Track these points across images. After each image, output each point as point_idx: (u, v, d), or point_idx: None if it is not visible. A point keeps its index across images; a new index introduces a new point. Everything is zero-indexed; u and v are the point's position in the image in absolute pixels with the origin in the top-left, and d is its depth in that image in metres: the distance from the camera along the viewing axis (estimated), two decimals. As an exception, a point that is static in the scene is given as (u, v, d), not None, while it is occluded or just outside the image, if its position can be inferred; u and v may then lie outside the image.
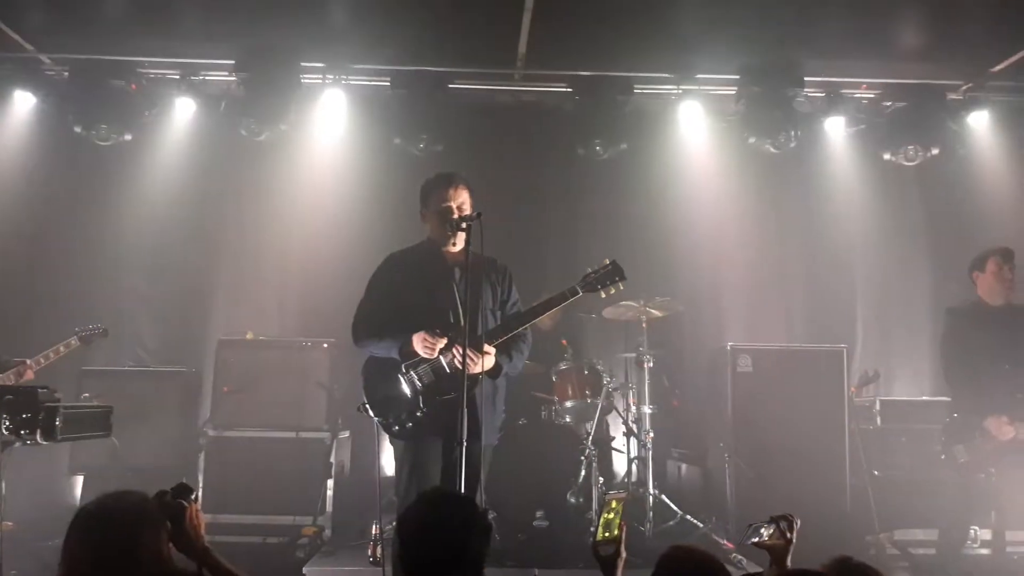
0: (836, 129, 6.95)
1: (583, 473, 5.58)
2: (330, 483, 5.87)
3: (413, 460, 3.75)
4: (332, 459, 5.90)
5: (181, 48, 6.53)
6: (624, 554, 2.68)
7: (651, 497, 5.61)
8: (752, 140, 6.57)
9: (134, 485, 2.43)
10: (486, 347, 3.68)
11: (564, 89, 6.74)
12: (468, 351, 3.43)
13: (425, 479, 3.65)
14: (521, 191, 7.10)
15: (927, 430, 5.58)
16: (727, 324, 7.21)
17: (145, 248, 6.99)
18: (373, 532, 4.95)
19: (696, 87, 6.72)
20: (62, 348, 5.48)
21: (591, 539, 2.77)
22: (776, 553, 2.78)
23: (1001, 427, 4.56)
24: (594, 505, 5.44)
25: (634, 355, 6.06)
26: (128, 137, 6.58)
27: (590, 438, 5.70)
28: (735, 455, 5.91)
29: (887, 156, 6.80)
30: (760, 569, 3.01)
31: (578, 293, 3.86)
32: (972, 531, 5.19)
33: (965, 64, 6.55)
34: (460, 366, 3.46)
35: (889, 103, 6.83)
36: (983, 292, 4.91)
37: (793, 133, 6.50)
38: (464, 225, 3.64)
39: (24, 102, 6.65)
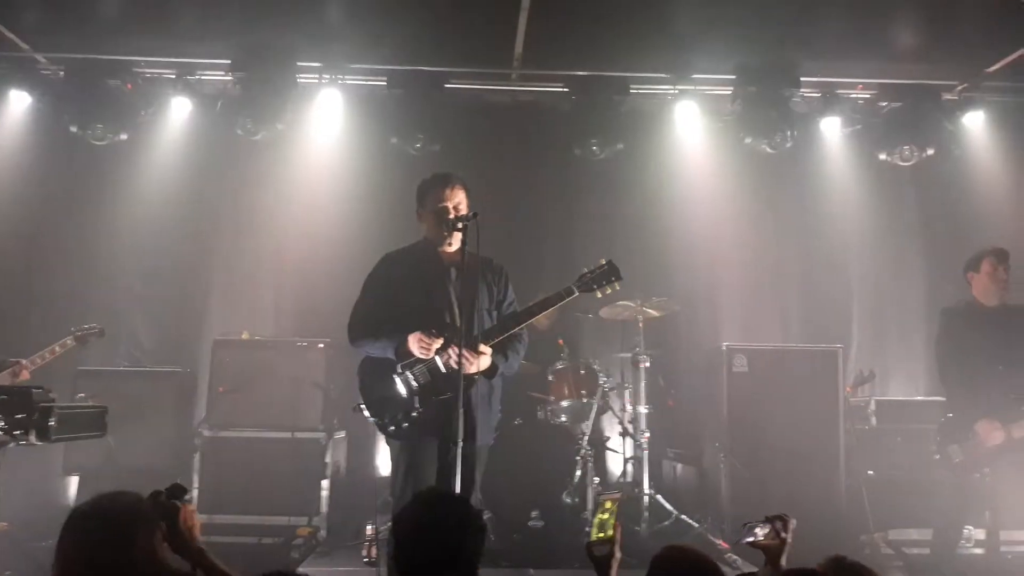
0: (832, 129, 6.97)
1: (578, 473, 5.59)
2: (325, 483, 5.87)
3: (409, 460, 3.74)
4: (328, 459, 5.89)
5: (177, 47, 6.52)
6: (619, 554, 2.67)
7: (646, 497, 5.63)
8: (748, 140, 6.59)
9: (129, 485, 2.44)
10: (482, 347, 3.68)
11: (560, 89, 6.74)
12: (464, 351, 3.44)
13: (421, 479, 3.64)
14: (517, 191, 7.09)
15: (922, 430, 5.59)
16: (723, 324, 7.21)
17: (141, 248, 6.97)
18: (368, 532, 4.95)
19: (692, 87, 6.74)
20: (58, 348, 5.44)
21: (586, 539, 2.77)
22: (771, 553, 2.79)
23: (991, 432, 4.57)
24: (589, 505, 5.44)
25: (630, 355, 6.08)
26: (124, 137, 6.57)
27: (586, 438, 5.71)
28: (730, 455, 5.92)
29: (883, 156, 6.82)
30: (755, 569, 3.01)
31: (574, 293, 3.86)
32: (966, 531, 5.19)
33: (961, 64, 6.57)
34: (456, 366, 3.47)
35: (885, 103, 6.85)
36: (978, 292, 4.91)
37: (789, 133, 6.51)
38: (460, 225, 3.63)
39: (20, 102, 6.64)
